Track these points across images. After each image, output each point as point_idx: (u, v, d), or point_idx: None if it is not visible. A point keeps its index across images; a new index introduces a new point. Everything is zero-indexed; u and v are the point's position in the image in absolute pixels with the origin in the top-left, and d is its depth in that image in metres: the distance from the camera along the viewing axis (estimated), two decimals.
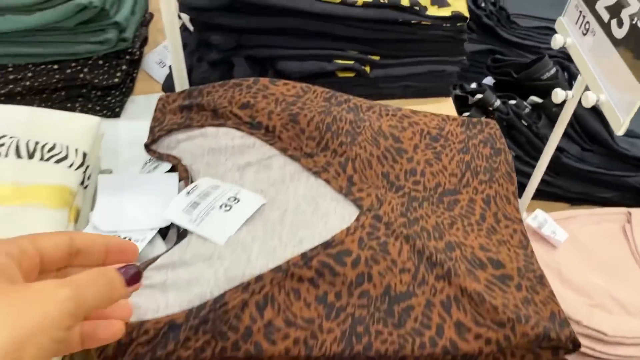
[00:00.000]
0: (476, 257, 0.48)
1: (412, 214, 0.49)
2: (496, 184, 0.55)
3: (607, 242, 0.94)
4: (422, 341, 0.42)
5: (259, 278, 0.41)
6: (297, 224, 0.45)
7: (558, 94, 0.82)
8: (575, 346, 0.44)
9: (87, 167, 0.50)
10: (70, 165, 0.48)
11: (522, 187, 0.97)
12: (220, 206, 0.45)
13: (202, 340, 0.39)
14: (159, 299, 0.41)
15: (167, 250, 0.45)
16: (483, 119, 0.61)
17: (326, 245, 0.43)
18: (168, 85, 0.71)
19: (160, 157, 0.53)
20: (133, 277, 0.30)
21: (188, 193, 0.47)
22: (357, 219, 0.46)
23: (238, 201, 0.46)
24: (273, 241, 0.44)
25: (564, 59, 1.07)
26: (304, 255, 0.42)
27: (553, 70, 1.00)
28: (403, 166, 0.53)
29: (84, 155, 0.50)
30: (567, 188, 1.03)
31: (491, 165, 0.56)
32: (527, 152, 0.99)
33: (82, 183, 0.50)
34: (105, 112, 0.70)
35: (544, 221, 0.95)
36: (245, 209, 0.46)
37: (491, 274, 0.47)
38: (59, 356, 0.27)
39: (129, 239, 0.46)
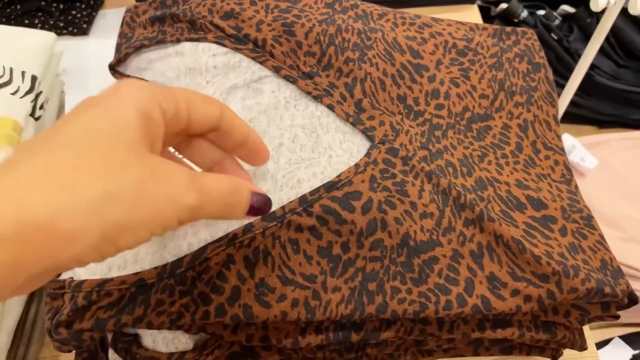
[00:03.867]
0: (513, 195, 0.40)
1: (435, 145, 0.41)
2: (535, 106, 0.46)
3: None
4: (448, 300, 0.34)
5: (247, 228, 0.33)
6: (295, 161, 0.37)
7: (598, 1, 0.70)
8: (632, 301, 0.37)
9: (39, 94, 0.41)
10: (15, 92, 0.39)
11: None
12: None
13: (179, 304, 0.32)
14: (127, 252, 0.34)
15: None
16: (519, 28, 0.51)
17: (330, 186, 0.35)
18: None
19: None
20: (257, 209, 0.28)
21: None
22: (368, 154, 0.37)
23: None
24: (266, 183, 0.35)
25: None
26: (302, 200, 0.34)
27: None
28: (423, 87, 0.43)
29: (33, 79, 0.41)
30: (598, 109, 0.93)
31: (529, 83, 0.47)
32: (556, 70, 0.89)
33: (33, 114, 0.41)
34: (70, 29, 0.60)
35: (572, 147, 0.86)
36: None
37: (531, 216, 0.39)
38: None
39: None
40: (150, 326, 0.32)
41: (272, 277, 0.33)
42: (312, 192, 0.34)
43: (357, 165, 0.36)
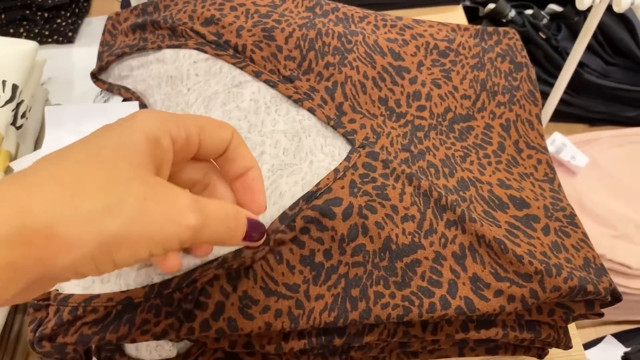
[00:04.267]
0: (495, 195, 0.40)
1: (417, 146, 0.41)
2: (517, 105, 0.46)
3: (632, 166, 0.85)
4: (432, 302, 0.34)
5: (237, 253, 0.33)
6: (278, 167, 0.37)
7: (584, 0, 0.71)
8: (615, 298, 0.37)
9: (20, 103, 0.41)
10: None
11: None
12: None
13: (164, 324, 0.32)
14: None
15: None
16: (500, 28, 0.51)
17: (309, 197, 0.35)
18: (127, 2, 0.60)
19: (111, 89, 0.44)
20: (252, 235, 0.28)
21: None
22: (348, 158, 0.37)
23: None
24: None
25: None
26: (283, 217, 0.34)
27: None
28: (405, 89, 0.43)
29: (14, 88, 0.41)
30: (588, 107, 0.93)
31: (511, 83, 0.47)
32: (545, 69, 0.89)
33: (14, 123, 0.41)
34: (56, 37, 0.60)
35: (562, 145, 0.86)
36: None
37: (513, 215, 0.39)
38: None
39: None
40: (133, 342, 0.32)
41: (255, 289, 0.33)
42: (291, 207, 0.34)
43: (336, 171, 0.36)
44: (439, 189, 0.37)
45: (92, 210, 0.21)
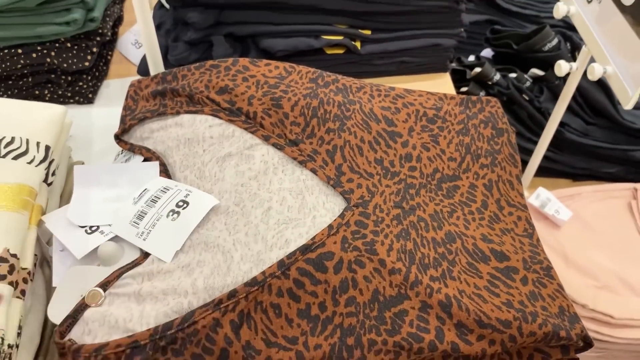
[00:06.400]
0: (478, 248, 0.44)
1: (409, 202, 0.45)
2: (498, 167, 0.51)
3: (613, 220, 0.90)
4: (421, 347, 0.38)
5: (232, 294, 0.37)
6: (283, 221, 0.41)
7: (562, 67, 0.77)
8: (587, 344, 0.41)
9: (51, 162, 0.46)
10: (31, 161, 0.44)
11: (523, 164, 0.93)
12: (168, 214, 0.42)
13: None
14: (133, 309, 0.38)
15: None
16: (483, 97, 0.57)
17: (305, 249, 0.39)
18: (143, 68, 0.66)
19: (132, 149, 0.49)
20: None
21: (135, 201, 0.44)
22: (342, 215, 0.42)
23: (187, 206, 0.42)
24: (257, 245, 0.40)
25: (566, 29, 1.02)
26: (281, 264, 0.38)
27: (555, 41, 0.95)
28: (397, 151, 0.48)
29: (47, 149, 0.45)
30: (570, 164, 0.99)
31: (493, 147, 0.52)
32: (529, 128, 0.95)
33: (46, 180, 0.45)
34: (77, 98, 0.66)
35: (546, 200, 0.91)
36: (193, 215, 0.42)
37: (495, 267, 0.43)
38: None
39: (104, 233, 0.43)
40: None
41: (257, 340, 0.37)
42: (289, 256, 0.39)
43: (330, 227, 0.41)
44: (422, 250, 0.41)
45: None
